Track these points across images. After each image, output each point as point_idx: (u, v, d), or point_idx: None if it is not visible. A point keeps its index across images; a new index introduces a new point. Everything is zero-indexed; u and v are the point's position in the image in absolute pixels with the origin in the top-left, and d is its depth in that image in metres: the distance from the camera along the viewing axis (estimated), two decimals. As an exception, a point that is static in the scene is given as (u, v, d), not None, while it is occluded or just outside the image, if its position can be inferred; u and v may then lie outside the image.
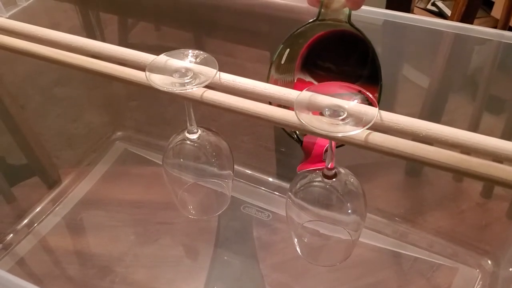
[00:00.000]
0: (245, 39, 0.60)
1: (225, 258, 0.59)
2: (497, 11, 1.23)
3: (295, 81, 0.40)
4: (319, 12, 0.36)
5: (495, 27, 1.13)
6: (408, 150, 0.29)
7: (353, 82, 0.38)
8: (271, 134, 0.68)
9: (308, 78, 0.40)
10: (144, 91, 0.35)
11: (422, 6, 1.36)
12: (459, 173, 0.28)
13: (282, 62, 0.39)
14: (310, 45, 0.39)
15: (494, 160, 0.27)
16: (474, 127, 0.55)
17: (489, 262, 0.56)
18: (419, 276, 0.55)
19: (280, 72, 0.40)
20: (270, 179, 0.67)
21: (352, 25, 0.36)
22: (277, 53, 0.39)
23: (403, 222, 0.61)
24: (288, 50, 0.39)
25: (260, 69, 0.63)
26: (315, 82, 0.40)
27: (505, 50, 0.46)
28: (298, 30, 0.38)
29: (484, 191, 0.58)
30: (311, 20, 0.37)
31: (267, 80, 0.39)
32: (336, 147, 0.36)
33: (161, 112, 0.74)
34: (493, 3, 1.24)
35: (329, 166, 0.36)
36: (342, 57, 0.40)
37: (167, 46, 0.71)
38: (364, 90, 0.31)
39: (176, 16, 0.63)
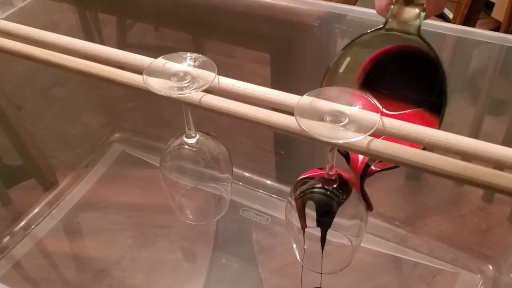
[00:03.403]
0: (245, 40, 0.60)
1: (224, 261, 0.58)
2: (497, 12, 1.23)
3: None
4: (386, 21, 0.33)
5: (495, 29, 1.12)
6: (411, 157, 0.28)
7: (418, 106, 0.34)
8: (270, 136, 0.67)
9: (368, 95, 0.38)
10: (142, 93, 0.34)
11: (422, 7, 1.36)
12: (464, 182, 0.27)
13: (340, 71, 0.36)
14: (375, 59, 0.35)
15: (496, 168, 0.27)
16: (475, 130, 0.54)
17: (490, 267, 0.55)
18: (420, 281, 0.55)
19: (336, 82, 0.36)
20: (269, 182, 0.67)
21: (422, 38, 0.32)
22: (335, 59, 0.35)
23: (404, 227, 0.60)
24: (348, 58, 0.35)
25: (259, 71, 0.62)
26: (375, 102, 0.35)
27: (508, 54, 0.45)
28: (362, 38, 0.34)
29: (485, 195, 0.58)
30: (375, 28, 0.34)
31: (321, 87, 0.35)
32: (380, 170, 0.35)
33: (159, 113, 0.73)
34: (493, 4, 1.24)
35: (330, 173, 0.35)
36: (410, 77, 0.35)
37: (166, 47, 0.71)
38: (367, 95, 0.30)
39: (175, 17, 0.62)
